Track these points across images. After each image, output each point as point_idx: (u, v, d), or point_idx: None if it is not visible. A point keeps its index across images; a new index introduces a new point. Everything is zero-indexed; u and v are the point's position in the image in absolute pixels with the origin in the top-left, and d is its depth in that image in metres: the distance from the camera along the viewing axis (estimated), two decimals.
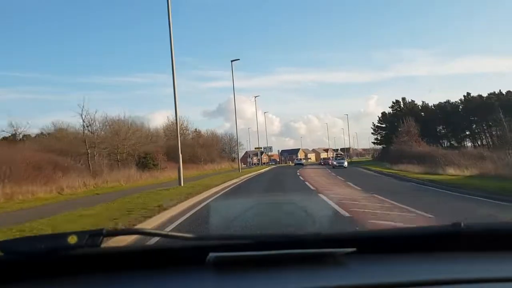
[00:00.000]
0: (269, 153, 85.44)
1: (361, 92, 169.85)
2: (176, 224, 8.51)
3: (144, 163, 36.56)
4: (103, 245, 1.17)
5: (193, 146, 53.10)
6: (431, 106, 72.35)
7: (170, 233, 1.27)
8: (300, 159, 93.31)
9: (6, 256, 1.15)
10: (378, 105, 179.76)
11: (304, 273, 1.15)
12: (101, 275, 1.20)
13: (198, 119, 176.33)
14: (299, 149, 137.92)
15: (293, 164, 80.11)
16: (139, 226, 7.94)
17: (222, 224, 8.15)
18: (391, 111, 76.35)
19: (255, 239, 1.31)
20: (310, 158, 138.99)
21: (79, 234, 1.14)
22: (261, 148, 73.96)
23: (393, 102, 76.44)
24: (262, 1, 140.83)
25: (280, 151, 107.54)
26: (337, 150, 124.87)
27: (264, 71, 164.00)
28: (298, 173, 31.70)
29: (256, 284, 1.13)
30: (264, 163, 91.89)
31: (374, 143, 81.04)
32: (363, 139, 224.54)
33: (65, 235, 1.13)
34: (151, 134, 48.44)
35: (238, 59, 45.86)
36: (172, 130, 48.29)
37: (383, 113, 79.73)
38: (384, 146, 73.88)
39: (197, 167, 47.80)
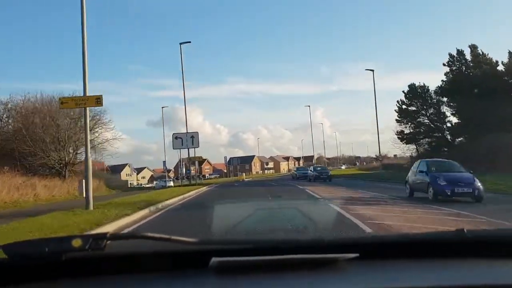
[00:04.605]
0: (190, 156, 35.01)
1: (308, 103, 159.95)
2: None
3: None
4: (107, 248, 1.18)
5: None
6: None
7: (173, 238, 1.24)
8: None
9: (11, 259, 1.15)
10: (324, 116, 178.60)
11: (306, 279, 1.14)
12: (104, 278, 1.22)
13: (143, 128, 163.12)
14: (254, 156, 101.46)
15: (243, 179, 41.37)
16: None
17: None
18: (449, 72, 39.96)
19: (258, 244, 1.31)
20: (272, 168, 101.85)
21: (83, 237, 1.15)
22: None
23: (450, 56, 40.01)
24: (209, 10, 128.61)
25: (227, 159, 66.41)
26: (299, 158, 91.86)
27: (212, 81, 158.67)
28: None
29: None
30: (200, 176, 50.97)
31: (399, 138, 44.29)
32: (319, 148, 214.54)
33: (70, 238, 1.15)
34: None
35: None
36: None
37: (411, 86, 43.33)
38: (458, 138, 37.65)
39: None
